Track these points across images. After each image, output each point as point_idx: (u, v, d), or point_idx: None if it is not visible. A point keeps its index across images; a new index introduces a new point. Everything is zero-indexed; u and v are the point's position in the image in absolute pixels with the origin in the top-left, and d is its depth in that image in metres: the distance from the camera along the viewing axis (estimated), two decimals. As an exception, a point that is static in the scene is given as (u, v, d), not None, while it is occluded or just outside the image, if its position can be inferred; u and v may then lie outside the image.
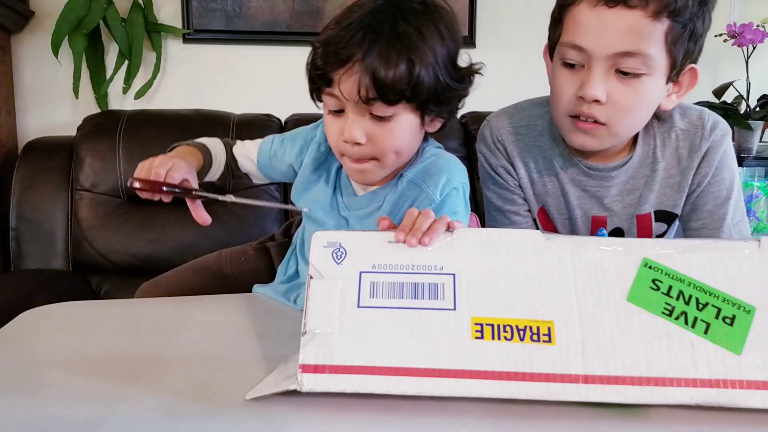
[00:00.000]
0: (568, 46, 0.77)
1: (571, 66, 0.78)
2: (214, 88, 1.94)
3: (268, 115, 1.71)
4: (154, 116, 1.67)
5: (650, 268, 0.52)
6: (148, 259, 1.53)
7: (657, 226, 0.90)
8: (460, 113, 1.96)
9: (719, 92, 2.08)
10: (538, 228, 0.96)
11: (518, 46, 2.06)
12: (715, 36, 2.06)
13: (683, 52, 0.76)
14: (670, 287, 0.50)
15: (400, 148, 0.78)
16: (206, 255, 1.07)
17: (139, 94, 1.83)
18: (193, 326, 0.77)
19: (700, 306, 0.50)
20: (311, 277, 0.55)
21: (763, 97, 2.14)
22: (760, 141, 2.03)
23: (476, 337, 0.51)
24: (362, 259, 0.55)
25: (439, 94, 0.76)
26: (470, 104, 2.11)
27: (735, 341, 0.48)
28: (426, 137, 0.87)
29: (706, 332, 0.49)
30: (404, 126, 0.76)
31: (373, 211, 0.84)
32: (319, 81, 0.75)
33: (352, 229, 0.86)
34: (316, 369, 0.50)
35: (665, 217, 0.90)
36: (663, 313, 0.50)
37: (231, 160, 0.94)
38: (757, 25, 1.99)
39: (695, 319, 0.49)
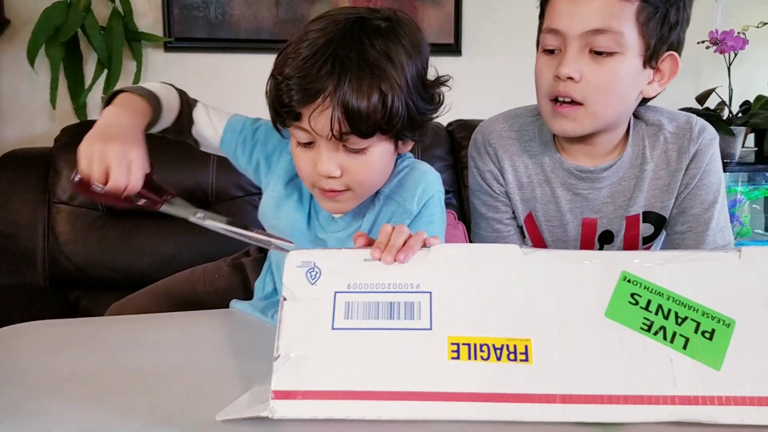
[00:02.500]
0: (546, 32, 0.81)
1: (550, 52, 0.81)
2: (197, 97, 1.92)
3: (251, 128, 1.69)
4: (136, 129, 1.64)
5: (629, 281, 0.51)
6: (128, 272, 1.50)
7: (645, 228, 0.91)
8: (446, 121, 1.96)
9: (702, 98, 2.09)
10: (524, 236, 0.95)
11: (505, 54, 2.06)
12: (698, 43, 2.08)
13: (657, 35, 0.78)
14: (649, 301, 0.50)
15: (376, 177, 0.77)
16: (178, 273, 1.03)
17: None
18: (167, 344, 0.75)
19: (679, 320, 0.49)
20: (284, 299, 0.54)
21: (745, 103, 2.16)
22: (743, 146, 2.05)
23: (452, 358, 0.49)
24: (337, 278, 0.54)
25: (413, 120, 0.73)
26: (457, 112, 2.10)
27: (714, 356, 0.47)
28: None
29: (684, 347, 0.48)
30: (379, 155, 0.74)
31: (354, 232, 0.80)
32: (285, 116, 0.71)
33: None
34: (289, 395, 0.49)
35: (653, 218, 0.90)
36: (641, 328, 0.49)
37: (186, 119, 0.85)
38: (739, 32, 2.01)
39: (674, 333, 0.48)
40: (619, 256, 0.53)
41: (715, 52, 2.04)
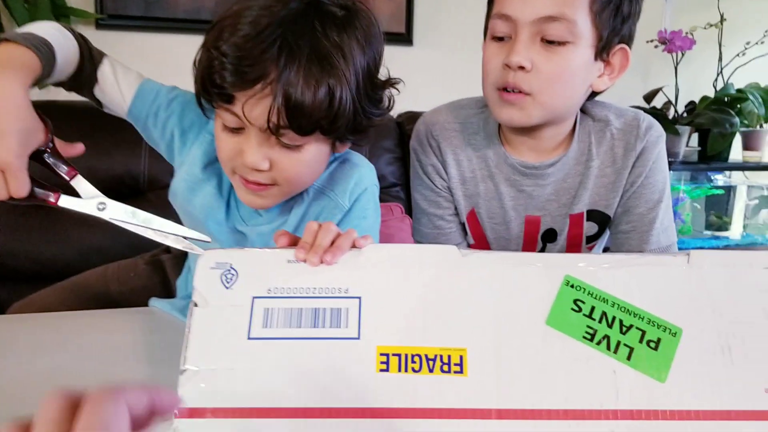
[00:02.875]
0: (496, 17, 0.77)
1: (499, 39, 0.77)
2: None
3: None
4: (61, 108, 1.52)
5: (572, 286, 0.47)
6: (51, 263, 1.39)
7: (588, 226, 0.89)
8: (395, 112, 1.91)
9: (649, 97, 2.12)
10: (466, 233, 0.92)
11: (458, 45, 2.03)
12: (647, 42, 2.10)
13: (610, 26, 0.76)
14: (593, 308, 0.46)
15: (307, 176, 0.70)
16: (90, 271, 0.95)
17: (43, 84, 1.67)
18: (70, 346, 0.68)
19: (624, 329, 0.45)
20: (195, 304, 0.48)
21: (691, 103, 2.20)
22: (687, 146, 2.09)
23: (381, 370, 0.45)
24: (256, 282, 0.48)
25: (357, 123, 0.67)
26: (406, 104, 2.05)
27: (659, 367, 0.44)
28: None
29: (629, 358, 0.45)
30: (314, 155, 0.68)
31: (280, 225, 0.76)
32: (216, 97, 0.63)
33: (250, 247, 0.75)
34: (195, 413, 0.43)
35: (597, 217, 0.88)
36: (584, 337, 0.45)
37: (87, 77, 0.72)
38: (687, 33, 2.04)
39: (618, 343, 0.45)
40: (563, 259, 0.49)
41: (663, 51, 2.07)
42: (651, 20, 2.22)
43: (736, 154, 2.20)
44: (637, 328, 0.45)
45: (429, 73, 2.03)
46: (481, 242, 0.92)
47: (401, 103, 2.18)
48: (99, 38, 1.80)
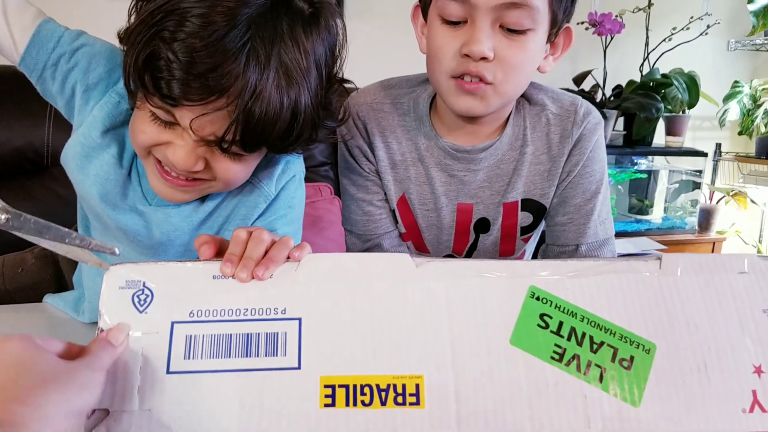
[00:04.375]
0: None
1: (452, 23, 0.70)
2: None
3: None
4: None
5: (538, 299, 0.42)
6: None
7: (523, 216, 0.85)
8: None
9: (578, 80, 2.14)
10: (396, 221, 0.87)
11: (390, 16, 1.96)
12: (577, 24, 2.11)
13: (563, 9, 0.71)
14: (561, 323, 0.42)
15: (240, 179, 0.62)
16: None
17: None
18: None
19: (595, 347, 0.41)
20: (101, 331, 0.40)
21: (618, 86, 2.24)
22: (613, 130, 2.13)
23: (326, 405, 0.39)
24: (175, 303, 0.41)
25: (307, 137, 0.60)
26: (337, 78, 1.94)
27: (633, 390, 0.41)
28: None
29: (600, 380, 0.41)
30: (252, 163, 0.61)
31: (191, 211, 0.66)
32: (156, 99, 0.52)
33: (158, 256, 0.65)
34: (102, 468, 0.35)
35: (533, 207, 0.84)
36: (552, 358, 0.41)
37: None
38: (616, 16, 2.07)
39: (588, 363, 0.41)
40: (525, 267, 0.44)
41: (593, 33, 2.09)
42: (581, 2, 2.24)
43: (659, 138, 2.28)
44: (608, 345, 0.41)
45: (361, 47, 1.94)
46: (412, 230, 0.87)
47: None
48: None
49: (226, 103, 0.51)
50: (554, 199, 0.84)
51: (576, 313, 0.42)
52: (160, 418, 0.38)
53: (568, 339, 0.41)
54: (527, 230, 0.87)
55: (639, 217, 2.27)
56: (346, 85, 0.64)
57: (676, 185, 2.35)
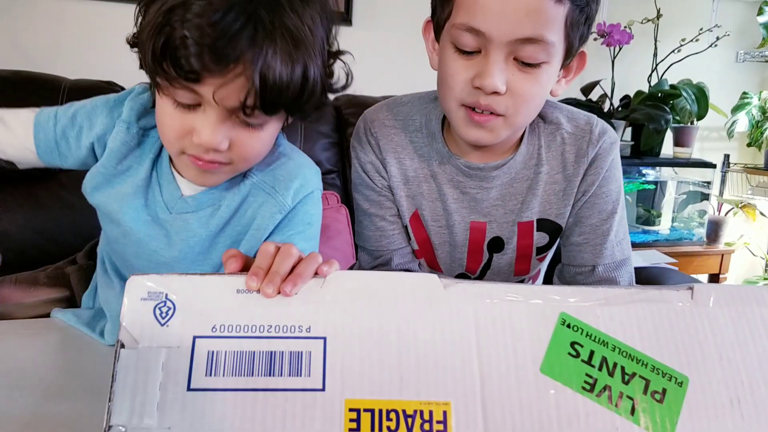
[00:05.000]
0: (462, 28, 0.67)
1: (465, 52, 0.68)
2: (43, 46, 1.62)
3: (109, 83, 1.43)
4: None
5: (569, 326, 0.42)
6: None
7: (539, 237, 0.83)
8: (333, 96, 1.81)
9: (587, 90, 2.13)
10: (409, 237, 0.86)
11: (399, 26, 1.95)
12: (586, 34, 2.11)
13: (579, 36, 0.70)
14: (592, 353, 0.41)
15: (262, 154, 0.67)
16: None
17: None
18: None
19: (626, 377, 0.40)
20: (121, 345, 0.39)
21: (625, 97, 2.23)
22: (621, 140, 2.12)
23: (351, 429, 0.38)
24: (198, 317, 0.40)
25: (321, 101, 0.65)
26: (345, 87, 1.93)
27: (665, 423, 0.40)
28: None
29: (632, 412, 0.40)
30: (272, 133, 0.65)
31: (209, 218, 0.69)
32: (178, 77, 0.56)
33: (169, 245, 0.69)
34: (120, 490, 0.34)
35: (548, 227, 0.83)
36: (583, 388, 0.40)
37: None
38: (625, 27, 2.06)
39: (620, 394, 0.40)
40: (555, 292, 0.43)
41: (602, 44, 2.08)
42: (591, 13, 2.24)
43: (667, 149, 2.27)
44: (640, 376, 0.40)
45: (369, 55, 1.94)
46: (425, 247, 0.86)
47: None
48: (7, 1, 1.61)
49: (243, 69, 0.55)
50: (570, 219, 0.82)
51: (607, 343, 0.41)
52: (180, 436, 0.37)
53: (600, 369, 0.40)
54: (542, 250, 0.86)
55: (646, 227, 2.27)
56: (342, 56, 0.69)
57: (684, 196, 2.34)
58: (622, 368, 0.40)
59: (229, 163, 0.63)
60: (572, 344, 0.41)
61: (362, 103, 1.79)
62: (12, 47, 1.61)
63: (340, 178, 1.60)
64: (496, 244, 0.84)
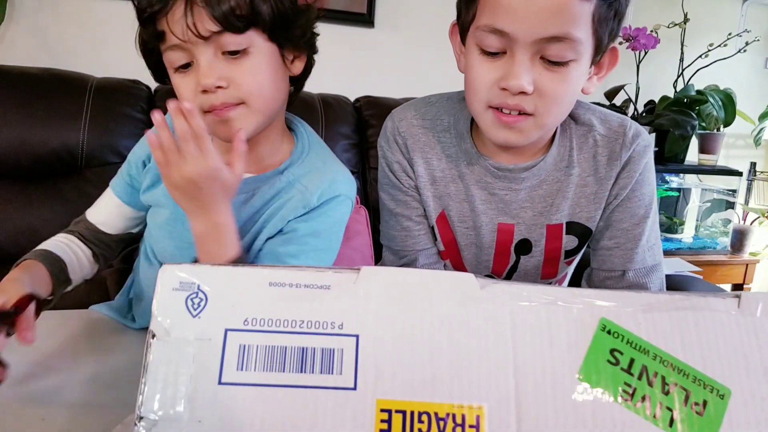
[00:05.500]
0: (486, 30, 0.66)
1: (490, 53, 0.67)
2: (71, 44, 1.63)
3: (135, 81, 1.43)
4: (-8, 73, 1.36)
5: (609, 332, 0.40)
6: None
7: (567, 240, 0.82)
8: (353, 96, 1.80)
9: (611, 95, 2.10)
10: (435, 237, 0.85)
11: (420, 27, 1.94)
12: (612, 37, 2.08)
13: (608, 32, 0.68)
14: (632, 361, 0.40)
15: (266, 85, 0.70)
16: None
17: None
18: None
19: (666, 388, 0.39)
20: (153, 335, 0.38)
21: (650, 102, 2.20)
22: (646, 145, 2.09)
23: (382, 430, 0.37)
24: (230, 309, 0.39)
25: (283, 18, 0.69)
26: (365, 88, 1.94)
27: (704, 436, 0.38)
28: (299, 132, 0.81)
29: (671, 425, 0.38)
30: (263, 61, 0.69)
31: (241, 203, 0.73)
32: (149, 37, 0.66)
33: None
34: (150, 481, 0.34)
35: (578, 230, 0.82)
36: (621, 396, 0.39)
37: (92, 237, 0.79)
38: (651, 31, 2.03)
39: (659, 405, 0.39)
40: (596, 296, 0.42)
41: (627, 48, 2.05)
42: (616, 16, 2.21)
43: (692, 156, 2.23)
44: (681, 387, 0.39)
45: (389, 57, 1.93)
46: (451, 248, 0.85)
47: (360, 86, 2.07)
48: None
49: None
50: (600, 222, 0.81)
51: (648, 351, 0.40)
52: (209, 429, 0.36)
53: (639, 378, 0.39)
54: (571, 253, 0.84)
55: (669, 235, 2.23)
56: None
57: (709, 204, 2.30)
58: (663, 378, 0.39)
59: (239, 103, 0.68)
60: (612, 351, 0.40)
61: (383, 105, 1.79)
62: (40, 46, 1.62)
63: (359, 179, 1.60)
64: (524, 247, 0.83)
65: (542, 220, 0.80)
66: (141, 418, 0.37)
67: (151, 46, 0.67)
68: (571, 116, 0.79)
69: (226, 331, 0.39)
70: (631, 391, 0.39)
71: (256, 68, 0.68)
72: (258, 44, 0.68)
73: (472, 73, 0.70)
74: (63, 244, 0.74)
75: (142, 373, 0.38)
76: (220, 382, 0.38)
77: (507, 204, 0.80)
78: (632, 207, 0.79)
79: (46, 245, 0.73)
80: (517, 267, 0.85)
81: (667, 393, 0.39)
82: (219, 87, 0.66)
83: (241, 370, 0.38)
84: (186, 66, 0.67)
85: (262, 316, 0.40)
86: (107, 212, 0.80)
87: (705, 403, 0.39)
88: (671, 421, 0.38)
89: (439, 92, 0.87)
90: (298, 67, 0.75)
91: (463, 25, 0.72)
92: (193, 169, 0.62)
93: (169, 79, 0.70)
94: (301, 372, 0.38)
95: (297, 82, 0.77)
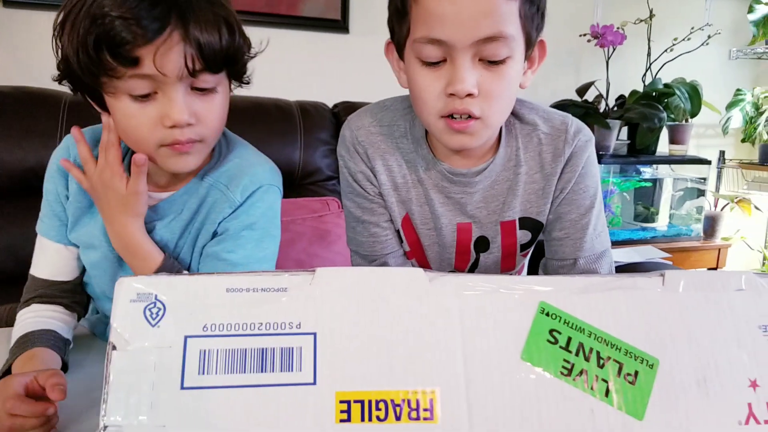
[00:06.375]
0: (424, 41, 0.68)
1: (432, 64, 0.70)
2: (41, 62, 1.64)
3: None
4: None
5: (548, 315, 0.43)
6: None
7: (522, 234, 0.86)
8: (331, 102, 1.82)
9: (582, 91, 2.15)
10: (401, 240, 0.88)
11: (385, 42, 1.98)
12: (579, 36, 2.12)
13: (535, 27, 0.72)
14: (569, 339, 0.43)
15: (221, 123, 0.73)
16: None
17: None
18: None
19: (601, 362, 0.42)
20: (113, 347, 0.41)
21: (621, 97, 2.25)
22: (617, 139, 2.14)
23: (341, 420, 0.39)
24: (188, 317, 0.42)
25: (242, 56, 0.72)
26: (342, 94, 1.96)
27: (637, 404, 0.42)
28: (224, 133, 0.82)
29: (606, 394, 0.41)
30: (224, 99, 0.72)
31: (172, 220, 0.76)
32: (118, 64, 0.62)
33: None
34: (120, 482, 0.36)
35: (530, 224, 0.85)
36: (561, 372, 0.42)
37: (52, 293, 0.77)
38: (618, 28, 2.08)
39: (596, 378, 0.42)
40: (534, 282, 0.45)
41: (595, 45, 2.10)
42: (583, 15, 2.26)
43: (663, 147, 2.29)
44: (614, 360, 0.42)
45: (365, 62, 1.96)
46: (416, 248, 0.88)
47: (337, 92, 2.09)
48: (7, 16, 1.64)
49: (174, 34, 0.62)
50: (549, 215, 0.85)
51: (584, 329, 0.43)
52: (175, 432, 0.39)
53: (576, 354, 0.42)
54: (526, 246, 0.88)
55: (645, 224, 2.28)
56: None
57: (681, 193, 2.36)
58: (598, 353, 0.42)
59: (200, 140, 0.69)
60: (551, 331, 0.43)
61: (359, 109, 1.82)
62: (12, 64, 1.64)
63: (339, 185, 1.62)
64: (482, 244, 0.86)
65: (496, 218, 0.84)
66: (105, 427, 0.39)
67: (107, 68, 0.63)
68: (516, 116, 0.82)
69: (186, 338, 0.41)
70: (569, 367, 0.42)
71: (220, 105, 0.71)
72: (223, 82, 0.71)
73: (416, 85, 0.72)
74: (36, 318, 0.73)
75: (104, 383, 0.40)
76: (182, 387, 0.40)
77: (463, 206, 0.83)
78: (578, 199, 0.82)
79: (23, 329, 0.72)
80: (478, 263, 0.88)
81: (602, 366, 0.42)
82: (189, 124, 0.67)
83: (203, 374, 0.40)
84: (145, 96, 0.66)
85: (221, 321, 0.42)
86: (52, 262, 0.78)
87: (636, 373, 0.42)
88: (606, 392, 0.42)
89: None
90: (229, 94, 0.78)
91: (398, 41, 0.75)
92: (95, 177, 0.68)
93: (97, 99, 0.69)
94: (262, 372, 0.41)
95: None
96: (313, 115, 1.63)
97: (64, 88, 1.53)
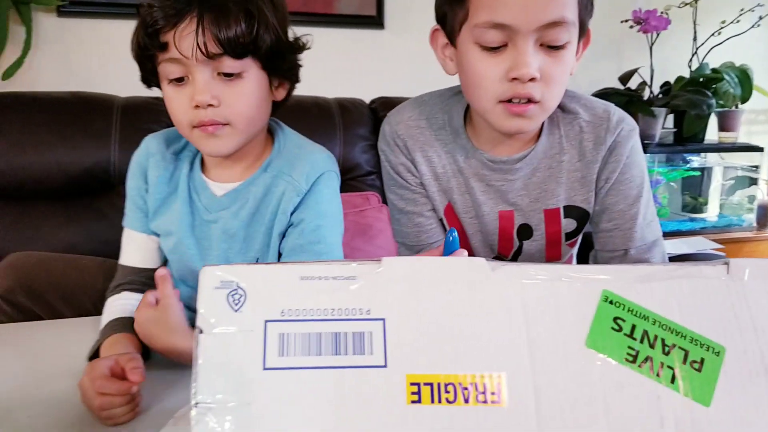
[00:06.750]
0: (485, 26, 0.70)
1: (491, 48, 0.71)
2: (94, 67, 1.72)
3: (158, 98, 1.51)
4: (25, 99, 1.46)
5: (611, 303, 0.44)
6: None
7: (566, 223, 0.86)
8: (369, 98, 1.85)
9: (624, 79, 2.11)
10: (444, 228, 0.89)
11: (430, 26, 1.98)
12: (621, 22, 2.08)
13: (588, 13, 0.74)
14: (634, 326, 0.44)
15: (254, 109, 0.78)
16: (92, 258, 1.07)
17: (7, 75, 1.60)
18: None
19: (666, 349, 0.43)
20: (200, 331, 0.43)
21: (666, 83, 2.20)
22: (663, 128, 2.09)
23: (413, 401, 0.41)
24: (267, 303, 0.44)
25: (280, 52, 0.77)
26: (379, 89, 1.99)
27: (704, 390, 0.42)
28: (280, 125, 0.88)
29: (672, 381, 0.42)
30: (254, 86, 0.76)
31: (239, 210, 0.81)
32: (152, 47, 0.72)
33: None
34: (211, 455, 0.39)
35: (576, 213, 0.86)
36: (626, 359, 0.43)
37: (139, 279, 0.84)
38: (661, 12, 2.03)
39: (661, 365, 0.43)
40: (597, 271, 0.46)
41: (638, 31, 2.06)
42: (625, 1, 2.22)
43: (712, 134, 2.23)
44: (679, 347, 0.43)
45: (401, 58, 1.97)
46: (460, 236, 0.90)
47: (374, 88, 2.11)
48: (61, 25, 1.72)
49: (192, 18, 0.69)
50: (596, 206, 0.85)
51: (648, 317, 0.44)
52: (259, 411, 0.41)
53: (641, 342, 0.43)
54: (571, 235, 0.88)
55: (693, 215, 2.23)
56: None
57: (732, 182, 2.29)
58: (663, 340, 0.43)
59: (226, 123, 0.74)
60: (615, 319, 0.44)
61: (398, 105, 1.83)
62: (66, 71, 1.71)
63: (379, 179, 1.65)
64: (525, 231, 0.87)
65: (539, 205, 0.85)
66: (197, 404, 0.42)
67: (150, 53, 0.73)
68: (558, 105, 0.83)
69: (266, 322, 0.44)
70: (634, 354, 0.43)
71: (246, 92, 0.75)
72: (251, 70, 0.75)
73: (475, 71, 0.73)
74: (124, 306, 0.79)
75: (194, 365, 0.43)
76: (264, 368, 0.42)
77: (504, 193, 0.84)
78: (624, 189, 0.83)
79: (112, 315, 0.78)
80: (521, 251, 0.89)
81: (667, 353, 0.43)
82: (210, 105, 0.73)
83: (283, 355, 0.43)
84: (180, 80, 0.74)
85: (297, 307, 0.44)
86: (138, 251, 0.86)
87: (702, 360, 0.43)
88: (672, 378, 0.42)
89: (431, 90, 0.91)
90: (281, 93, 0.84)
91: (451, 27, 0.76)
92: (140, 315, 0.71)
93: (156, 85, 0.78)
94: (336, 354, 0.43)
95: (278, 105, 0.85)
96: (351, 111, 1.66)
97: (117, 92, 1.61)
